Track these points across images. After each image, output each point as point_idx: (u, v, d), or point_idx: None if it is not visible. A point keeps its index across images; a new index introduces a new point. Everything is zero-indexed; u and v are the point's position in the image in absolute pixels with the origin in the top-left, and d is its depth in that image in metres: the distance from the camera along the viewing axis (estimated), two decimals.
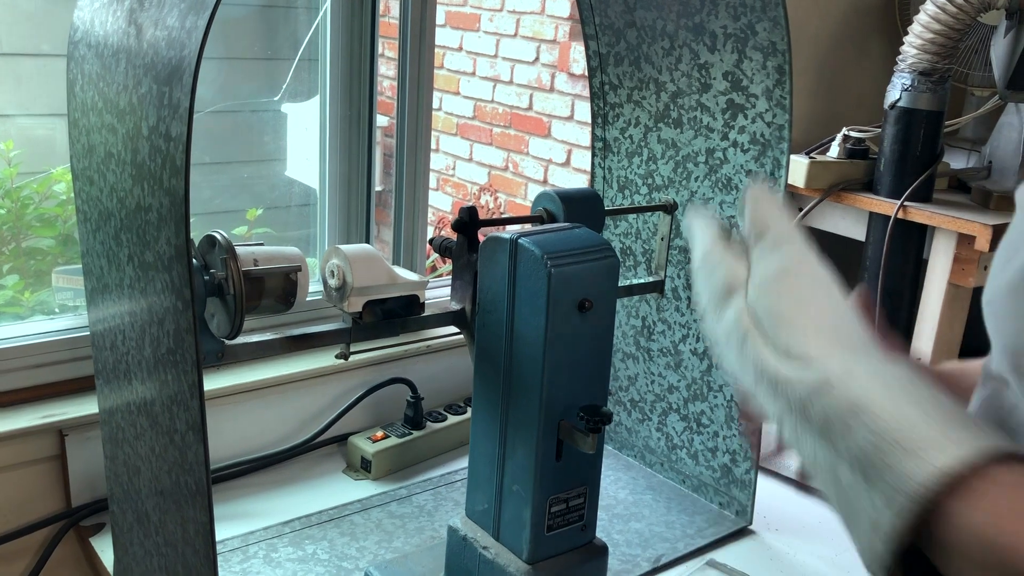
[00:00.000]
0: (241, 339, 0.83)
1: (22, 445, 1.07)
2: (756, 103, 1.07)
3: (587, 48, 1.25)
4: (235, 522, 1.11)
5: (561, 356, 0.86)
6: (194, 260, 0.79)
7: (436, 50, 4.51)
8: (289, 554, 1.05)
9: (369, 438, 1.25)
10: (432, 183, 4.43)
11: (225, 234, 0.81)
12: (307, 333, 0.89)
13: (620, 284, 1.24)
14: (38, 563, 1.08)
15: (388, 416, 1.32)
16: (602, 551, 0.95)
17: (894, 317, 1.55)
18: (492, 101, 3.80)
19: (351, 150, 1.40)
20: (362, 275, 0.88)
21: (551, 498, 0.90)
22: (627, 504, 1.22)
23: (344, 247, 0.89)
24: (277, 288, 0.83)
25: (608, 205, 1.29)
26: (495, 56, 3.75)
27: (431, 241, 1.01)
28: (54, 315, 1.32)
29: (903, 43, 1.51)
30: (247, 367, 1.25)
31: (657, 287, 1.18)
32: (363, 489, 1.21)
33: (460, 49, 3.97)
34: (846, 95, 1.82)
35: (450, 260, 0.98)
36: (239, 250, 0.81)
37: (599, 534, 1.01)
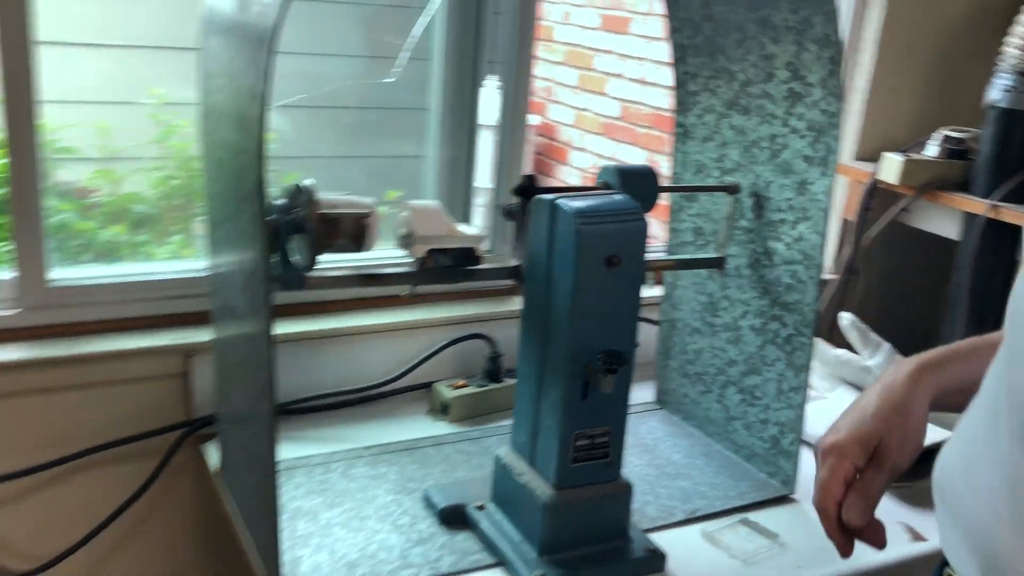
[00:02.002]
0: (320, 274, 0.99)
1: (156, 362, 1.28)
2: (812, 92, 1.14)
3: (671, 40, 1.34)
4: (324, 443, 1.27)
5: (589, 306, 0.97)
6: (281, 200, 0.96)
7: (585, 52, 4.61)
8: (364, 472, 1.21)
9: (450, 385, 1.40)
10: (576, 180, 4.56)
11: (310, 181, 0.97)
12: (377, 273, 1.04)
13: (686, 258, 1.34)
14: (161, 463, 1.29)
15: (470, 370, 1.46)
16: (625, 488, 1.05)
17: (983, 318, 1.55)
18: (638, 102, 3.88)
19: (454, 144, 1.54)
20: (424, 226, 1.02)
21: (576, 433, 1.01)
22: (678, 466, 1.30)
23: (411, 202, 1.04)
24: (349, 230, 0.98)
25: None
26: (643, 59, 3.83)
27: (499, 206, 1.14)
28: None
29: (1006, 44, 1.51)
30: (356, 314, 1.42)
31: (717, 263, 1.26)
32: (439, 429, 1.35)
33: (610, 52, 4.08)
34: (957, 96, 1.81)
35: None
36: (320, 196, 0.97)
37: (644, 486, 1.11)
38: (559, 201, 0.97)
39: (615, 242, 0.96)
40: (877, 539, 0.79)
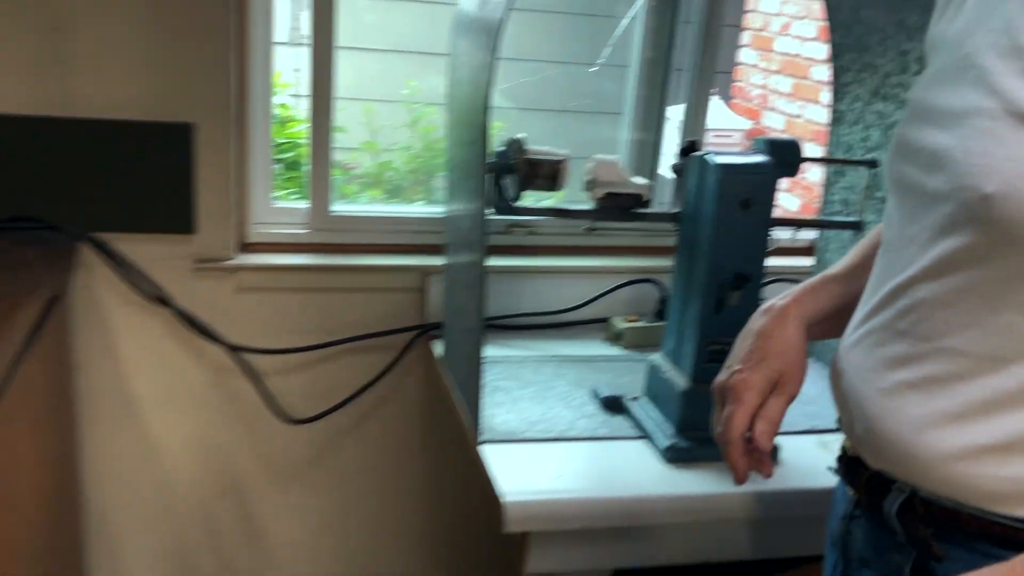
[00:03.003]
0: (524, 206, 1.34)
1: (401, 277, 1.68)
2: None
3: (830, 40, 1.59)
4: (521, 350, 1.63)
5: (726, 238, 1.25)
6: (500, 148, 1.31)
7: (802, 62, 4.74)
8: (549, 370, 1.55)
9: (625, 319, 1.71)
10: (783, 183, 4.69)
11: (521, 135, 1.32)
12: (566, 208, 1.38)
13: (827, 220, 1.58)
14: (400, 354, 1.69)
15: (642, 309, 1.77)
16: None
17: None
18: None
19: (644, 128, 1.85)
20: (604, 173, 1.34)
21: (709, 339, 1.29)
22: (806, 395, 1.54)
23: (597, 156, 1.36)
24: (547, 172, 1.32)
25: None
26: None
27: (671, 166, 1.44)
28: None
29: None
30: (554, 257, 1.77)
31: (855, 226, 1.50)
32: (613, 351, 1.67)
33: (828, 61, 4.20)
34: None
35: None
36: (528, 147, 1.32)
37: None
38: (708, 156, 1.27)
39: (748, 189, 1.24)
40: (769, 465, 0.94)
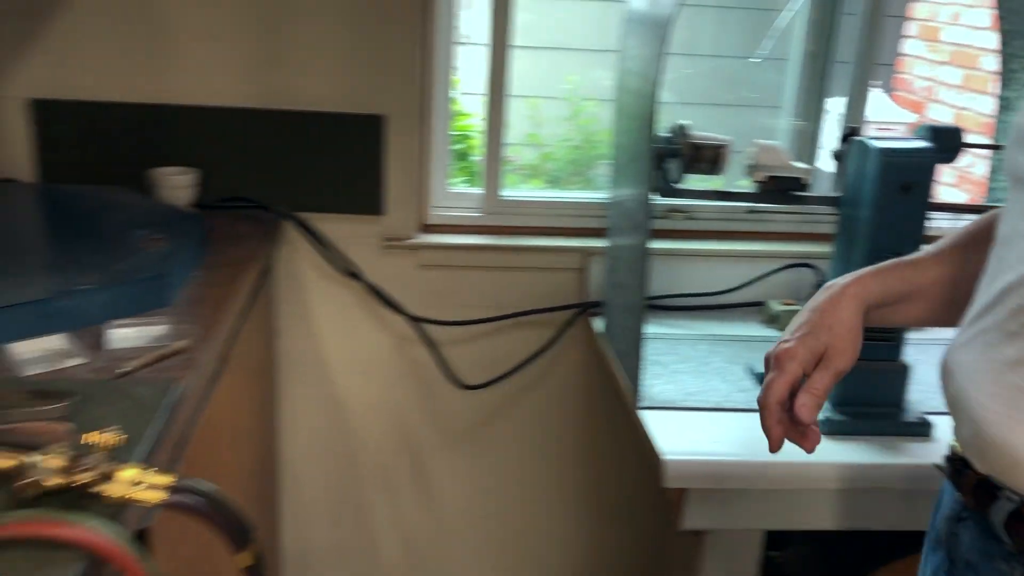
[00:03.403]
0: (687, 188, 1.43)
1: (565, 258, 1.80)
2: None
3: (999, 27, 1.59)
4: (679, 328, 1.71)
5: (885, 220, 1.30)
6: (665, 133, 1.40)
7: (972, 52, 4.56)
8: (706, 348, 1.63)
9: (781, 302, 1.77)
10: (950, 179, 4.54)
11: (686, 121, 1.41)
12: (727, 191, 1.46)
13: (982, 204, 1.58)
14: (561, 329, 1.81)
15: (798, 294, 1.81)
16: (902, 368, 1.36)
17: None
18: None
19: (803, 119, 1.89)
20: (766, 157, 1.41)
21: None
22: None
23: (759, 140, 1.43)
24: (709, 156, 1.40)
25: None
26: None
27: (832, 152, 1.49)
28: None
29: None
30: (714, 241, 1.84)
31: None
32: (769, 332, 1.73)
33: (999, 52, 4.03)
34: None
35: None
36: (693, 132, 1.40)
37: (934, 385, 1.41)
38: (868, 141, 1.32)
39: (909, 172, 1.28)
40: (812, 441, 0.88)
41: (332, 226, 1.71)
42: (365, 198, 1.70)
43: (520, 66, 1.81)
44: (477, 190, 1.83)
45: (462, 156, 2.30)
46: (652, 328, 1.70)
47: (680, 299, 1.81)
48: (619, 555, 2.03)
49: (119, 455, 0.77)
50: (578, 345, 1.85)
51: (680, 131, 1.40)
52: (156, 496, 0.74)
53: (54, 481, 0.73)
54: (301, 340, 1.79)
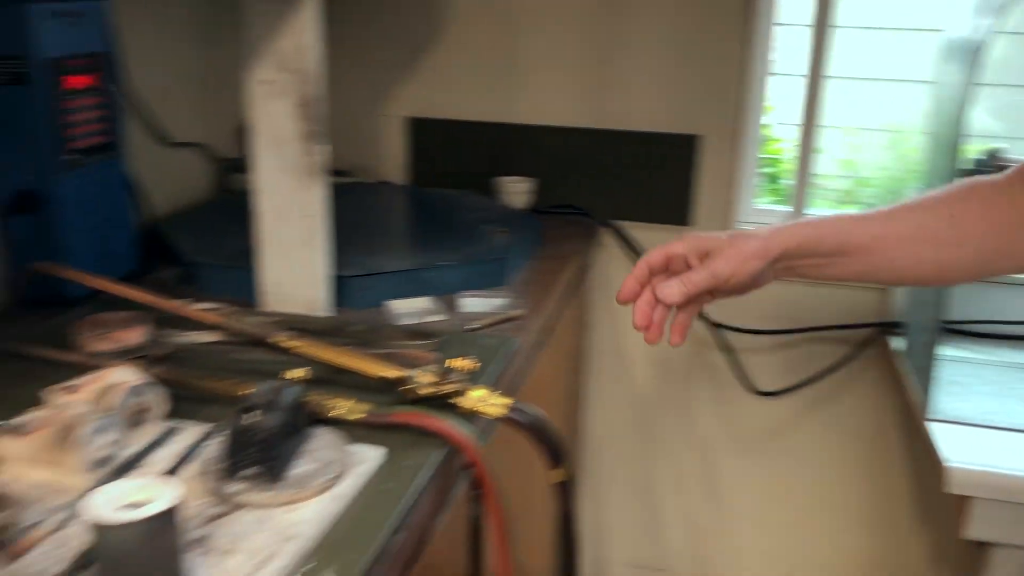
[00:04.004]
0: None
1: None
2: None
3: None
4: (985, 355, 1.70)
5: None
6: (978, 156, 1.44)
7: None
8: (1014, 375, 1.61)
9: None
10: None
11: (1000, 146, 1.43)
12: None
13: None
14: (858, 347, 1.86)
15: None
16: None
17: None
18: None
19: None
20: None
21: None
22: None
23: None
24: None
25: None
26: None
27: None
28: None
29: None
30: None
31: None
32: None
33: None
34: None
35: None
36: (1006, 156, 1.42)
37: None
38: None
39: None
40: (674, 334, 0.86)
41: (643, 234, 1.90)
42: (676, 210, 1.87)
43: (836, 96, 1.90)
44: (784, 208, 1.94)
45: (773, 179, 2.40)
46: (960, 352, 1.70)
47: (992, 326, 1.79)
48: (903, 570, 2.02)
49: (472, 379, 1.01)
50: (875, 363, 1.88)
51: (991, 156, 1.43)
52: (497, 411, 0.96)
53: (426, 390, 0.97)
54: (606, 335, 2.00)
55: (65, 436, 0.78)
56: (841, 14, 1.81)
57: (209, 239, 1.48)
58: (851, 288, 1.85)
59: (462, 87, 1.92)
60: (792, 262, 0.89)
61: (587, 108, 1.87)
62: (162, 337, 1.12)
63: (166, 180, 1.63)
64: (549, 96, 1.89)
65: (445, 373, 0.99)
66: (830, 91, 1.86)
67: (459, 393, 0.97)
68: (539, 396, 1.51)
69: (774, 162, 2.44)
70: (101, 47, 1.30)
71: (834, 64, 1.84)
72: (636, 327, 0.88)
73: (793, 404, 1.94)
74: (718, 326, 1.91)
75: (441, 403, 0.97)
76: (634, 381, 2.02)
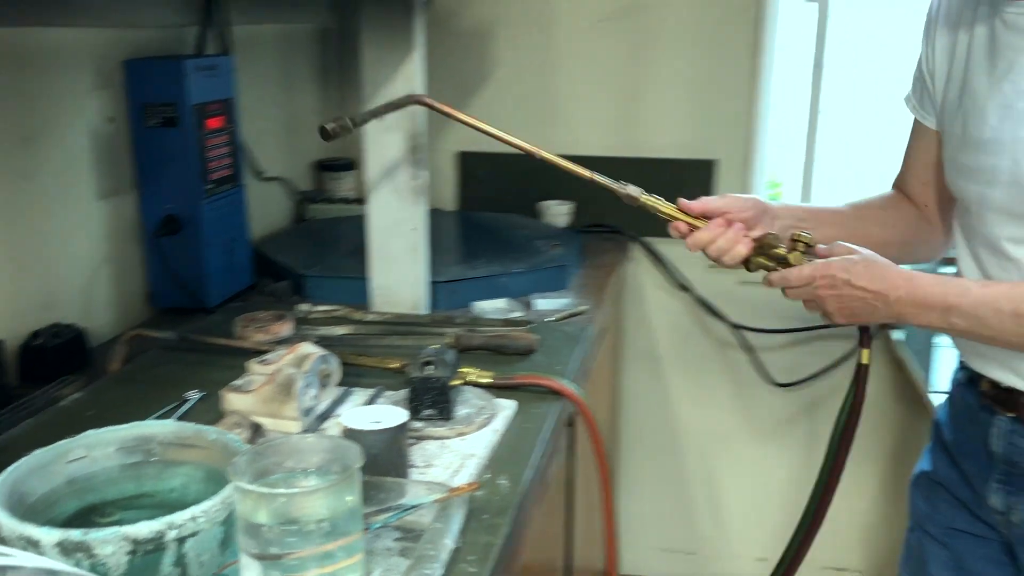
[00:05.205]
0: None
1: None
2: None
3: None
4: None
5: None
6: None
7: None
8: None
9: None
10: None
11: None
12: None
13: None
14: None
15: None
16: None
17: None
18: None
19: None
20: None
21: None
22: None
23: None
24: None
25: None
26: None
27: None
28: None
29: None
30: None
31: None
32: None
33: None
34: None
35: None
36: None
37: None
38: None
39: None
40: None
41: (668, 248, 2.16)
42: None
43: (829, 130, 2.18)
44: None
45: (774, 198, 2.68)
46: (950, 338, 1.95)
47: None
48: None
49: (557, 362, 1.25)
50: (879, 354, 2.14)
51: None
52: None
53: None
54: (640, 339, 2.25)
55: (286, 390, 1.01)
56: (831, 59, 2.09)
57: (307, 256, 1.72)
58: None
59: (507, 123, 2.16)
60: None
61: (617, 139, 2.14)
62: (305, 331, 1.36)
63: (258, 209, 1.87)
64: (584, 129, 2.15)
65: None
66: (825, 123, 2.14)
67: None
68: (596, 387, 1.75)
69: (773, 184, 2.71)
70: (229, 94, 1.55)
71: (828, 96, 2.12)
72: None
73: (808, 395, 2.19)
74: (738, 327, 2.16)
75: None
76: (664, 381, 2.26)
